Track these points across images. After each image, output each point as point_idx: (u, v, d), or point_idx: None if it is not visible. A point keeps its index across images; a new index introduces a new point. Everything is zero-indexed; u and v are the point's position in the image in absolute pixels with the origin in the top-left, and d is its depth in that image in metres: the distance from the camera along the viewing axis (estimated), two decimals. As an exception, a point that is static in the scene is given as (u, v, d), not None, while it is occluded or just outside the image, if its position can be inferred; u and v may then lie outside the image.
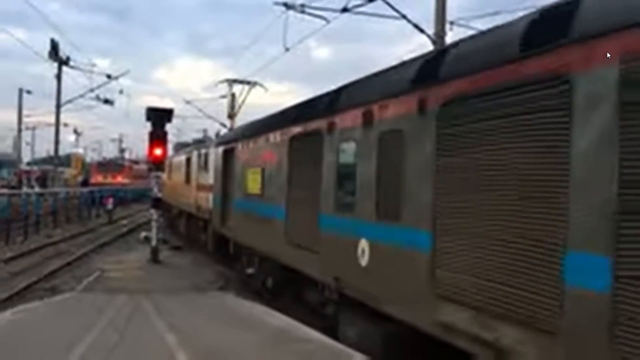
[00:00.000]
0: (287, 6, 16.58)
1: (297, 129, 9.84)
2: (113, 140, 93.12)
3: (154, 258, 18.70)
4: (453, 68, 5.58)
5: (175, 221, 27.82)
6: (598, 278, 3.68)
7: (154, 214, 19.55)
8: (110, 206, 35.11)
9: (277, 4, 16.85)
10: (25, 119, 47.84)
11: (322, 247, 8.25)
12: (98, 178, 56.35)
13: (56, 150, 41.40)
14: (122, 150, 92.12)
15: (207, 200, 18.71)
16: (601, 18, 3.92)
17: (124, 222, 34.32)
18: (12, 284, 14.27)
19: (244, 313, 4.32)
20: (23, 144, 55.94)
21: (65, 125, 51.10)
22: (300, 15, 16.66)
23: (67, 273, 16.27)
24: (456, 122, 5.29)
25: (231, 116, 32.47)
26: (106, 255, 20.28)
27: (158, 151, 18.88)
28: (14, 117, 46.43)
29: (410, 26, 15.29)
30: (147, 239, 20.75)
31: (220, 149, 16.60)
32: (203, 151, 20.68)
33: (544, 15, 4.62)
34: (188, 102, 39.56)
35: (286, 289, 10.77)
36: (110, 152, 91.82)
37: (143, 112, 18.86)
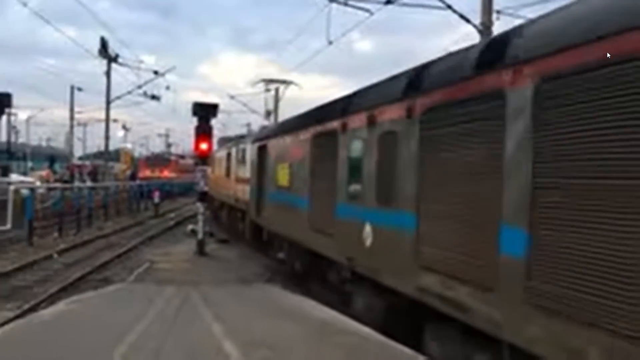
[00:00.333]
0: (330, -1, 16.55)
1: (318, 129, 11.10)
2: (160, 135, 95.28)
3: (201, 251, 19.03)
4: (430, 82, 6.84)
5: (217, 212, 28.78)
6: (518, 247, 4.84)
7: (200, 207, 19.90)
8: (156, 199, 35.66)
9: (320, -3, 16.87)
10: (76, 116, 49.26)
11: (337, 232, 9.53)
12: (146, 172, 57.64)
13: (106, 145, 42.52)
14: (168, 145, 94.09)
15: (245, 192, 19.92)
16: (524, 49, 5.08)
17: (171, 215, 35.01)
18: (66, 274, 14.78)
19: (289, 305, 4.35)
20: (75, 140, 57.74)
21: (115, 121, 52.51)
22: (343, 8, 16.62)
23: (118, 264, 16.75)
24: (433, 126, 6.53)
25: (269, 113, 33.35)
26: (155, 247, 20.76)
27: (204, 145, 19.19)
28: (66, 113, 47.65)
29: (455, 16, 15.07)
30: (193, 232, 21.14)
31: (256, 145, 17.98)
32: (241, 147, 21.92)
33: (490, 44, 5.89)
34: (232, 97, 40.11)
35: (311, 271, 11.95)
36: (157, 146, 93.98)
37: (188, 107, 19.32)
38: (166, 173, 59.00)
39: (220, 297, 4.53)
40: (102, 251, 19.22)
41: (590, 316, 4.06)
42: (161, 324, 3.39)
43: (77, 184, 35.05)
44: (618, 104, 3.99)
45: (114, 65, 38.88)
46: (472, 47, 6.34)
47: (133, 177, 48.89)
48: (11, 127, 42.72)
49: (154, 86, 40.78)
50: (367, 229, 8.27)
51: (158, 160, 63.77)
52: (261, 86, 33.15)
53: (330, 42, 18.13)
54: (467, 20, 14.96)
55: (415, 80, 7.29)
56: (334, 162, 9.80)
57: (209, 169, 25.58)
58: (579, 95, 4.36)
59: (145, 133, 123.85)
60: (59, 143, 72.64)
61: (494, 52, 5.59)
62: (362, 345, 3.27)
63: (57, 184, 31.61)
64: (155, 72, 39.34)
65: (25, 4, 41.26)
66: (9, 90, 29.77)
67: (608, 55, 4.06)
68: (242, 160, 21.43)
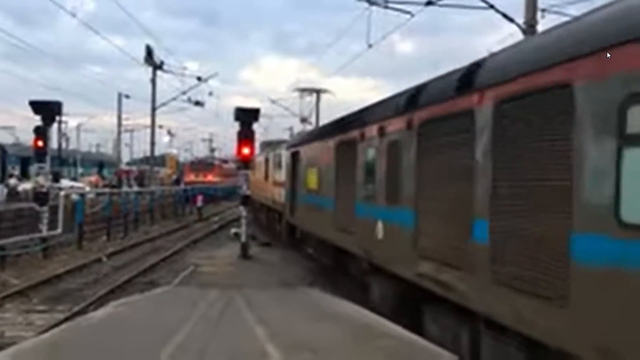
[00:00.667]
0: (370, 2, 16.53)
1: (341, 137, 12.44)
2: (204, 140, 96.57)
3: (244, 254, 19.23)
4: (424, 100, 8.08)
5: (257, 214, 29.64)
6: (483, 236, 6.09)
7: (243, 211, 20.12)
8: (200, 203, 36.11)
9: (360, 0, 16.85)
10: (124, 122, 50.55)
11: (357, 228, 10.83)
12: (190, 177, 58.57)
13: (152, 150, 43.47)
14: (212, 150, 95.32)
15: (280, 195, 21.53)
16: (486, 77, 6.41)
17: (215, 219, 35.49)
18: (114, 277, 15.17)
19: (332, 308, 4.36)
20: (122, 146, 59.18)
21: (160, 127, 53.68)
22: (383, 11, 16.58)
23: (163, 268, 17.08)
24: (427, 136, 7.79)
25: (304, 119, 34.34)
26: (199, 250, 21.09)
27: (246, 150, 19.40)
28: (114, 120, 48.99)
29: (499, 15, 14.83)
30: (236, 236, 21.39)
31: (289, 151, 19.62)
32: (277, 152, 23.62)
33: (465, 72, 7.04)
34: (273, 102, 40.47)
35: (337, 265, 13.37)
36: (201, 151, 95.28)
37: (231, 112, 19.49)
38: (210, 177, 59.80)
39: (263, 300, 4.57)
40: (149, 254, 19.64)
41: (526, 286, 5.27)
42: (205, 327, 3.44)
43: (124, 188, 35.86)
44: (548, 121, 5.15)
45: (159, 72, 39.77)
46: (456, 71, 7.45)
47: (177, 181, 49.75)
48: (62, 134, 44.11)
49: (197, 92, 41.66)
50: (379, 225, 9.56)
51: (202, 165, 64.68)
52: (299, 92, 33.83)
53: (370, 45, 18.14)
54: (511, 20, 14.71)
55: (413, 98, 8.55)
56: (354, 167, 11.10)
57: (250, 173, 26.08)
58: (522, 114, 5.60)
59: (190, 138, 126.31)
60: (108, 149, 74.57)
61: (468, 78, 6.84)
62: (403, 348, 3.26)
63: (106, 189, 32.43)
64: (199, 78, 40.08)
65: (74, 15, 42.70)
66: (59, 98, 30.70)
67: (540, 84, 5.30)
68: (278, 165, 22.99)
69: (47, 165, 19.83)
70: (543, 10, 14.93)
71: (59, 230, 19.14)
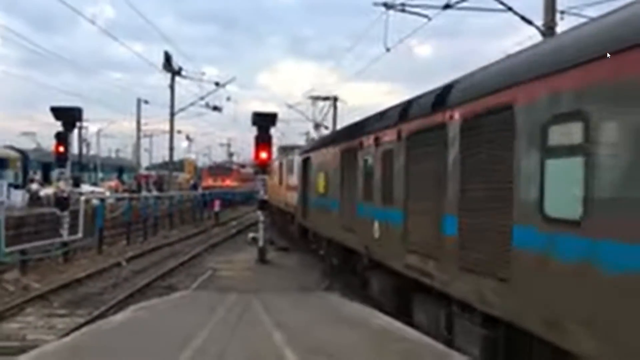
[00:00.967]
0: (387, 6, 16.51)
1: (345, 145, 13.71)
2: (222, 145, 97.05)
3: (262, 258, 19.27)
4: (410, 114, 9.33)
5: (273, 216, 29.93)
6: (452, 230, 7.21)
7: (260, 215, 20.18)
8: (217, 208, 36.07)
9: (376, 4, 16.85)
10: (143, 127, 50.75)
11: (358, 227, 12.01)
12: (209, 181, 58.90)
13: (171, 155, 43.81)
14: (230, 154, 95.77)
15: (293, 198, 22.66)
16: (455, 97, 7.58)
17: (233, 223, 35.63)
18: (134, 281, 15.29)
19: (348, 313, 4.36)
20: (142, 151, 59.66)
21: (179, 132, 53.77)
22: (400, 14, 16.55)
23: (182, 272, 17.18)
24: (412, 146, 9.06)
25: (317, 126, 34.85)
26: (217, 255, 21.18)
27: (263, 154, 19.46)
28: (133, 125, 49.27)
29: (517, 18, 14.72)
30: (254, 240, 21.44)
31: (301, 157, 20.83)
32: (290, 158, 24.81)
33: (440, 91, 8.23)
34: (290, 107, 40.59)
35: (344, 263, 14.32)
36: (219, 156, 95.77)
37: (248, 117, 19.56)
38: (228, 182, 60.09)
39: (281, 304, 4.59)
40: (168, 259, 19.77)
41: (485, 270, 6.32)
42: (224, 330, 3.47)
43: (143, 193, 36.14)
44: (498, 135, 6.32)
45: (177, 78, 40.11)
46: (434, 90, 8.71)
47: (195, 187, 50.00)
48: (82, 140, 44.66)
49: (215, 97, 41.86)
50: (376, 224, 10.72)
51: (220, 170, 65.02)
52: (320, 92, 34.01)
53: (387, 49, 18.06)
54: (529, 22, 14.60)
55: (403, 112, 9.76)
56: (355, 172, 12.41)
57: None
58: (480, 129, 6.74)
59: (208, 143, 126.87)
60: (127, 154, 75.27)
61: (442, 97, 8.04)
62: (418, 351, 3.26)
63: (126, 194, 32.73)
64: (217, 84, 40.33)
65: (93, 22, 43.29)
66: (79, 104, 31.04)
67: (493, 104, 6.47)
68: (290, 170, 24.30)
69: (67, 171, 20.09)
70: (562, 12, 14.80)
71: (80, 235, 19.37)
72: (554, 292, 5.13)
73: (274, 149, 31.55)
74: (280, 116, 21.56)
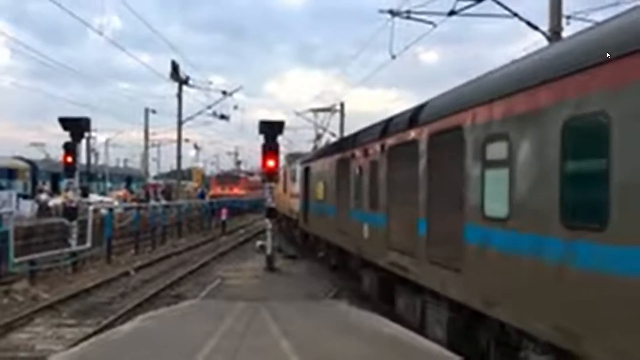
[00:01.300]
0: (393, 13, 16.51)
1: (339, 155, 15.36)
2: (229, 153, 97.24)
3: (270, 266, 19.25)
4: (390, 130, 10.69)
5: (280, 224, 30.17)
6: (423, 230, 8.61)
7: (268, 223, 20.17)
8: (223, 217, 35.94)
9: (382, 11, 16.87)
10: (151, 137, 51.00)
11: (351, 230, 13.52)
12: (217, 190, 58.99)
13: (179, 164, 43.94)
14: (237, 163, 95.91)
15: (296, 205, 24.07)
16: (424, 116, 8.97)
17: (241, 231, 35.64)
18: (142, 291, 15.32)
19: (357, 321, 4.34)
20: (149, 160, 59.90)
21: (187, 140, 53.98)
22: (406, 21, 16.55)
23: (190, 281, 17.19)
24: (393, 158, 10.44)
25: (319, 136, 35.69)
26: (225, 263, 21.17)
27: (271, 162, 19.48)
28: (141, 135, 49.47)
29: (523, 23, 14.68)
30: (262, 248, 21.42)
31: (302, 167, 22.51)
32: (293, 167, 26.22)
33: (414, 111, 9.57)
34: (298, 114, 40.65)
35: (341, 263, 15.95)
36: (226, 164, 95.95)
37: (256, 125, 19.58)
38: (236, 190, 60.17)
39: (289, 313, 4.58)
40: (176, 268, 19.79)
41: (446, 263, 7.69)
42: (232, 340, 3.46)
43: (152, 202, 36.19)
44: (453, 150, 7.57)
45: (184, 87, 40.22)
46: (410, 109, 10.03)
47: (202, 195, 50.01)
48: (91, 150, 44.88)
49: (222, 106, 41.89)
50: (365, 226, 12.13)
51: (228, 178, 65.13)
52: (327, 101, 34.44)
53: (393, 57, 18.06)
54: (535, 28, 14.56)
55: (385, 128, 11.13)
56: (348, 180, 13.89)
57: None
58: (441, 145, 8.15)
59: (216, 151, 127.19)
60: (135, 164, 75.57)
61: (415, 116, 9.40)
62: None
63: (134, 204, 32.80)
64: (224, 92, 40.43)
65: (101, 33, 43.61)
66: (87, 114, 31.21)
67: (449, 124, 7.87)
68: (293, 179, 25.82)
69: (76, 181, 20.16)
70: (568, 17, 14.76)
71: (88, 245, 19.42)
72: (490, 276, 6.55)
73: (282, 157, 31.73)
74: (287, 124, 21.63)
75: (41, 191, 34.05)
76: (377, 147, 11.29)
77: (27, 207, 28.71)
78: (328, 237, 16.93)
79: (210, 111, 41.01)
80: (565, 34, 13.82)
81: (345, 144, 15.12)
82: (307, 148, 43.80)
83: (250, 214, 50.82)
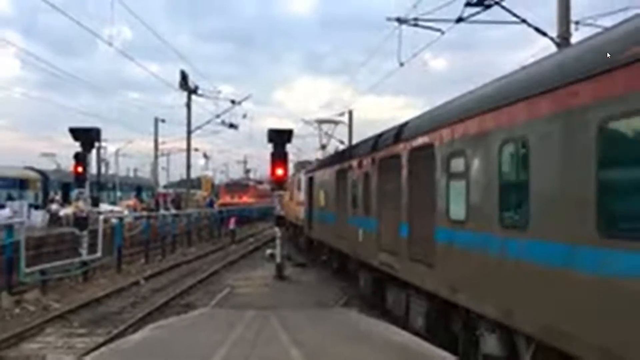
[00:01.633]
0: (400, 21, 16.52)
1: (338, 166, 17.02)
2: (238, 162, 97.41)
3: (279, 274, 19.22)
4: (380, 144, 12.21)
5: (288, 231, 30.25)
6: (405, 232, 10.12)
7: (277, 231, 20.16)
8: (232, 226, 35.82)
9: (389, 19, 16.88)
10: (160, 146, 51.17)
11: (348, 234, 15.05)
12: (226, 198, 59.03)
13: (188, 173, 44.02)
14: (247, 171, 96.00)
15: (301, 212, 25.58)
16: (406, 133, 10.43)
17: (250, 239, 35.63)
18: (153, 300, 15.34)
19: (367, 329, 4.32)
20: (159, 169, 60.09)
21: (196, 149, 54.11)
22: (413, 29, 16.55)
23: (200, 289, 17.20)
24: (382, 170, 11.86)
25: (324, 147, 36.10)
26: (235, 272, 21.17)
27: (280, 171, 19.48)
28: (150, 144, 49.68)
29: (531, 29, 14.63)
30: (272, 256, 21.41)
31: (307, 176, 24.29)
32: (298, 177, 27.79)
33: (399, 128, 11.05)
34: (307, 122, 40.72)
35: (342, 267, 17.43)
36: (236, 173, 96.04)
37: (264, 133, 19.61)
38: (245, 199, 60.20)
39: (299, 321, 4.57)
40: (186, 276, 19.81)
41: (423, 259, 9.11)
42: (242, 348, 3.45)
43: (161, 211, 36.29)
44: (426, 164, 9.04)
45: (193, 96, 40.37)
46: (395, 126, 11.44)
47: (211, 204, 50.05)
48: (101, 160, 45.08)
49: (231, 114, 41.95)
50: (360, 230, 13.62)
51: (237, 187, 65.18)
52: (336, 109, 34.57)
53: (401, 64, 18.05)
54: (544, 34, 14.51)
55: (376, 142, 12.66)
56: (346, 189, 15.46)
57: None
58: (418, 159, 9.58)
59: (225, 160, 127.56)
60: (145, 173, 75.82)
61: (399, 132, 10.85)
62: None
63: (144, 213, 32.90)
64: (232, 101, 40.55)
65: (111, 44, 43.89)
66: (97, 124, 31.37)
67: (424, 141, 9.33)
68: (298, 187, 27.30)
69: (86, 190, 20.27)
70: (577, 23, 14.69)
71: (99, 254, 19.49)
72: (454, 269, 7.98)
73: (291, 165, 31.84)
74: (296, 132, 21.65)
75: (52, 201, 34.25)
76: (370, 159, 12.93)
77: (38, 217, 28.90)
78: (329, 242, 18.58)
79: (219, 120, 41.14)
80: (573, 39, 13.79)
81: (344, 156, 16.96)
82: (315, 156, 43.94)
83: (259, 222, 50.84)
